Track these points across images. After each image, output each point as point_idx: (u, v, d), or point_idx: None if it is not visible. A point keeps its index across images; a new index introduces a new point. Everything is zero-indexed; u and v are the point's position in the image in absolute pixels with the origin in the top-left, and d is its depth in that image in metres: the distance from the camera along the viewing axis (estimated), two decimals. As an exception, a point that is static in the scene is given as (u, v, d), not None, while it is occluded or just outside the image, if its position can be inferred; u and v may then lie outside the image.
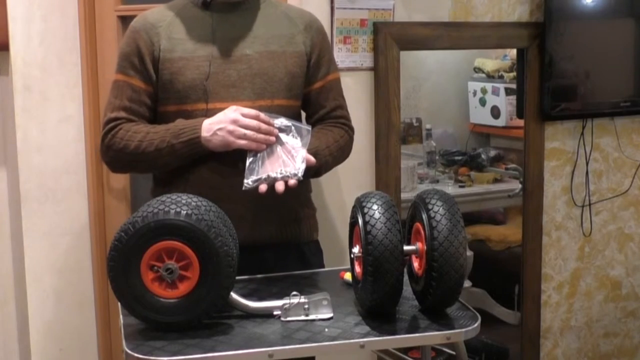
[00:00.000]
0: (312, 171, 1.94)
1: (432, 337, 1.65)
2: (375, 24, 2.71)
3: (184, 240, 1.60)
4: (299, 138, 1.91)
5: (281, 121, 1.92)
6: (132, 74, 2.00)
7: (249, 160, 1.86)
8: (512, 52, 3.97)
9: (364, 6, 2.70)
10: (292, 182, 1.85)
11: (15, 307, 2.72)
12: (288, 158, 1.88)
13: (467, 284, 3.69)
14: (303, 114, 2.20)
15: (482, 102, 4.39)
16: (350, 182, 2.74)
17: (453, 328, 1.65)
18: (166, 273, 1.61)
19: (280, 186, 1.83)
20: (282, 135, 1.90)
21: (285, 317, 1.69)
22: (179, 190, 1.77)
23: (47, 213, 2.60)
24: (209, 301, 1.62)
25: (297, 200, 2.05)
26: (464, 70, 4.46)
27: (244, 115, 1.87)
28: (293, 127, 1.92)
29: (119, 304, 1.69)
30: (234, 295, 1.69)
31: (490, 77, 4.35)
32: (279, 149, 1.89)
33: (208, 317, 1.64)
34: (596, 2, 3.00)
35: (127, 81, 2.00)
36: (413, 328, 1.67)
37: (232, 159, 1.92)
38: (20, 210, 2.58)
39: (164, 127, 1.95)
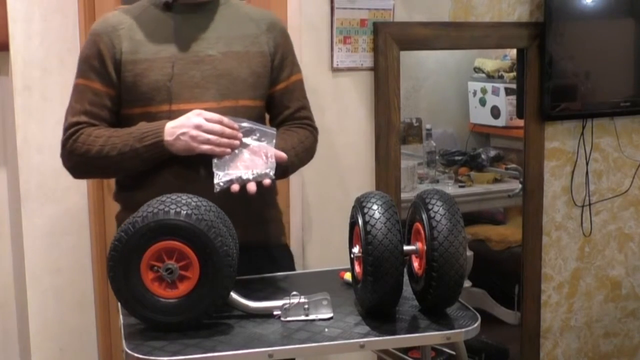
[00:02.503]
0: (280, 171, 1.91)
1: (432, 337, 1.65)
2: (375, 24, 2.71)
3: (184, 240, 1.60)
4: (264, 140, 1.89)
5: (245, 124, 1.89)
6: (93, 77, 1.97)
7: (215, 162, 1.84)
8: (512, 52, 3.97)
9: (364, 6, 2.70)
10: (266, 181, 1.83)
11: (15, 307, 2.72)
12: (257, 157, 1.86)
13: (467, 284, 3.69)
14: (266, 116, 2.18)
15: (482, 102, 4.39)
16: (350, 182, 2.74)
17: (453, 328, 1.65)
18: (166, 273, 1.61)
19: (252, 187, 1.81)
20: (247, 139, 1.88)
21: (285, 317, 1.69)
22: (144, 194, 1.76)
23: (47, 213, 2.59)
24: (209, 301, 1.62)
25: (262, 201, 2.03)
26: (464, 70, 4.45)
27: (207, 120, 1.85)
28: (257, 130, 1.90)
29: (119, 304, 1.69)
30: (234, 295, 1.69)
31: (490, 77, 4.35)
32: (244, 151, 1.87)
33: (208, 317, 1.64)
34: (596, 2, 3.00)
35: (88, 85, 1.98)
36: (413, 328, 1.66)
37: (195, 163, 1.90)
38: (20, 210, 2.58)
39: (126, 131, 1.93)
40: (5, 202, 2.66)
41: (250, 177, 1.83)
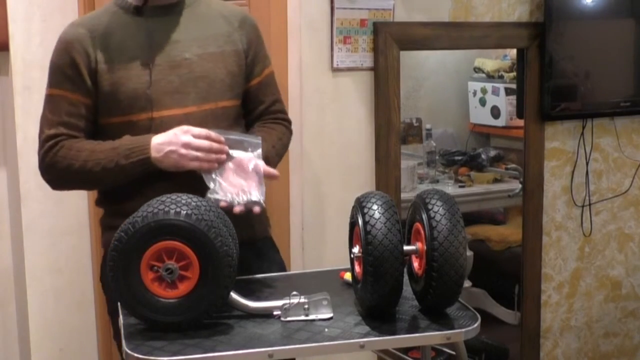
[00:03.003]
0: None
1: (432, 337, 1.65)
2: (375, 24, 2.71)
3: (184, 240, 1.60)
4: (251, 150, 1.89)
5: (232, 136, 1.89)
6: (68, 87, 1.92)
7: (205, 177, 1.84)
8: (512, 52, 3.97)
9: (364, 6, 2.70)
10: (256, 209, 1.83)
11: (15, 307, 2.72)
12: (245, 172, 1.86)
13: (467, 284, 3.69)
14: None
15: (482, 102, 4.39)
16: (350, 182, 2.74)
17: (453, 328, 1.65)
18: (166, 273, 1.61)
19: (238, 209, 1.81)
20: (235, 151, 1.88)
21: (285, 317, 1.69)
22: (132, 204, 1.74)
23: (47, 213, 2.60)
24: (209, 301, 1.62)
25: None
26: (464, 70, 4.46)
27: (195, 136, 1.83)
28: (244, 141, 1.89)
29: (119, 304, 1.69)
30: (234, 295, 1.69)
31: (490, 77, 4.35)
32: (231, 165, 1.86)
33: (208, 317, 1.64)
34: (596, 2, 3.00)
35: (63, 95, 1.92)
36: (413, 328, 1.66)
37: (183, 176, 1.87)
38: (20, 210, 2.58)
39: (109, 146, 1.89)
40: (5, 202, 2.66)
41: (242, 201, 1.83)
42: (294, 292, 1.73)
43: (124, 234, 1.59)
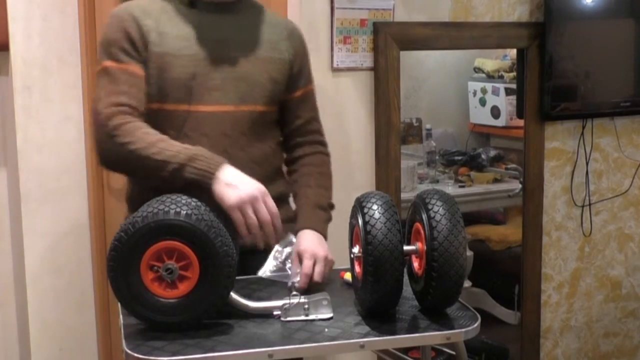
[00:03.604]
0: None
1: (432, 337, 1.65)
2: (375, 24, 2.71)
3: (184, 240, 1.60)
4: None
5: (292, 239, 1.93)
6: (127, 59, 1.87)
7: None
8: (512, 52, 3.97)
9: (364, 6, 2.70)
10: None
11: (15, 307, 2.72)
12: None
13: (467, 284, 3.69)
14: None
15: (482, 102, 4.39)
16: (350, 182, 2.74)
17: (453, 328, 1.65)
18: (166, 273, 1.61)
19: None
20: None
21: (285, 317, 1.69)
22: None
23: (47, 213, 2.59)
24: (209, 301, 1.62)
25: (281, 208, 2.04)
26: (464, 70, 4.46)
27: (265, 204, 1.76)
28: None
29: (119, 304, 1.69)
30: (234, 295, 1.69)
31: (490, 77, 4.35)
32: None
33: (208, 317, 1.64)
34: (596, 2, 3.00)
35: (121, 67, 1.86)
36: (413, 328, 1.66)
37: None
38: (20, 210, 2.58)
39: (180, 144, 1.81)
40: (5, 202, 2.66)
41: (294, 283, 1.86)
42: (294, 292, 1.73)
43: (124, 234, 1.59)
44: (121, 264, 1.60)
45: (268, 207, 1.76)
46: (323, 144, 2.16)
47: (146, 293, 1.61)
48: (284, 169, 2.13)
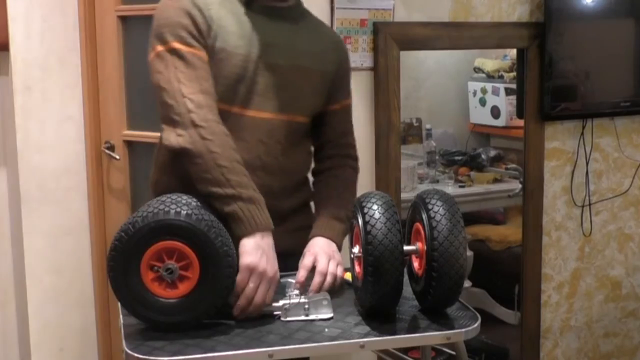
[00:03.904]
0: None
1: (432, 337, 1.65)
2: (375, 24, 2.71)
3: (184, 240, 1.60)
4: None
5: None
6: (196, 45, 1.79)
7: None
8: (512, 52, 3.97)
9: (364, 6, 2.70)
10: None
11: (15, 307, 2.72)
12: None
13: (467, 284, 3.69)
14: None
15: (482, 102, 4.40)
16: (350, 182, 2.74)
17: (453, 328, 1.65)
18: (166, 273, 1.61)
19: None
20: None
21: (285, 317, 1.69)
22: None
23: (47, 213, 2.60)
24: (209, 301, 1.62)
25: (301, 212, 2.04)
26: (464, 70, 4.46)
27: (270, 288, 1.71)
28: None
29: (119, 304, 1.69)
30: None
31: (490, 77, 4.35)
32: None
33: (208, 317, 1.64)
34: (596, 2, 3.00)
35: (194, 52, 1.79)
36: (413, 328, 1.66)
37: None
38: (20, 210, 2.58)
39: (250, 179, 1.76)
40: (5, 202, 2.66)
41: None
42: (295, 292, 1.73)
43: (124, 234, 1.59)
44: (121, 264, 1.60)
45: (269, 293, 1.72)
46: (354, 158, 2.11)
47: (146, 293, 1.61)
48: (310, 178, 2.10)
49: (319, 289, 1.80)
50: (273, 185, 1.90)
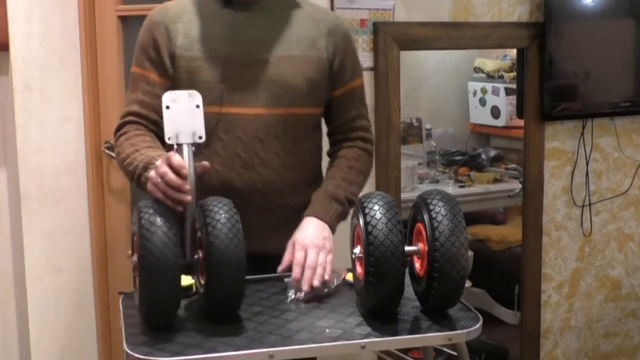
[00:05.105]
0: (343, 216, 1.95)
1: (434, 338, 1.64)
2: (375, 24, 2.71)
3: None
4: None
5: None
6: (148, 66, 1.91)
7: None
8: (512, 52, 3.98)
9: (364, 6, 2.70)
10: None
11: (15, 307, 2.72)
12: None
13: (467, 284, 3.68)
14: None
15: (482, 102, 4.40)
16: (350, 182, 2.74)
17: (455, 329, 1.65)
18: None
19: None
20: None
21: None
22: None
23: (47, 213, 2.60)
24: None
25: (300, 212, 2.03)
26: (464, 70, 4.46)
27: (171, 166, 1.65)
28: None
29: (119, 299, 1.68)
30: None
31: (490, 77, 4.36)
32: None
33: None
34: (596, 2, 3.00)
35: (142, 74, 1.92)
36: (414, 329, 1.66)
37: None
38: (20, 210, 2.58)
39: (148, 153, 1.80)
40: (5, 202, 2.66)
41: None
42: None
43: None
44: None
45: (178, 165, 1.67)
46: (365, 139, 2.06)
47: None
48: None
49: (310, 283, 1.79)
50: (277, 182, 1.90)
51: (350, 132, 2.04)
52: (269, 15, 1.94)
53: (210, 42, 1.89)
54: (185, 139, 1.65)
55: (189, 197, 1.64)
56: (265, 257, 1.86)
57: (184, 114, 1.66)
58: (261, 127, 1.89)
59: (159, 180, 1.64)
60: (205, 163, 1.72)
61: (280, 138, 1.91)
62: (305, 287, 1.78)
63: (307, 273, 1.80)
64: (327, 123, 2.06)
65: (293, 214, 1.91)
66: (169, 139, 1.65)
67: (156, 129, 1.92)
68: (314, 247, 1.83)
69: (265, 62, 1.90)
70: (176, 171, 1.63)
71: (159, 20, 1.92)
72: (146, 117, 1.91)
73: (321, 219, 1.90)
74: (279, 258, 1.88)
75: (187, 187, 1.63)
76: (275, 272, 1.90)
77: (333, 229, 1.92)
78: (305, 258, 1.82)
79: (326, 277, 1.82)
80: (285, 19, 1.95)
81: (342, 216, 1.96)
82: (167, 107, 1.65)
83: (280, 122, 1.90)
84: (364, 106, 2.08)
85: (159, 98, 1.85)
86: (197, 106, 1.66)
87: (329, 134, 2.08)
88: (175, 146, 1.66)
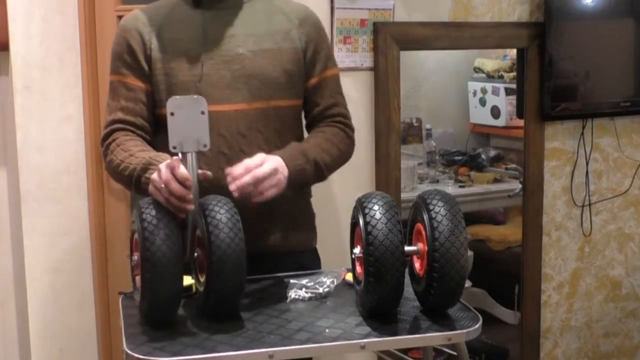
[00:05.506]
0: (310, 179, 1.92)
1: (434, 338, 1.65)
2: (375, 24, 2.71)
3: None
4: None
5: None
6: (126, 72, 1.94)
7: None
8: (512, 52, 3.97)
9: (364, 6, 2.70)
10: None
11: (15, 307, 2.72)
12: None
13: (467, 284, 3.68)
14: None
15: (482, 102, 4.40)
16: (350, 182, 2.74)
17: (454, 329, 1.65)
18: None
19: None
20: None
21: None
22: None
23: (47, 213, 2.59)
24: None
25: (298, 207, 2.03)
26: (464, 70, 4.46)
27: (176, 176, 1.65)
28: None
29: (119, 303, 1.68)
30: None
31: (490, 77, 4.35)
32: None
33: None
34: (596, 2, 3.00)
35: (121, 80, 1.94)
36: (414, 329, 1.66)
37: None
38: (20, 210, 2.58)
39: (144, 155, 1.83)
40: (5, 202, 2.66)
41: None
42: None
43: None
44: None
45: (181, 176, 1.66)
46: (345, 124, 2.06)
47: None
48: None
49: (242, 189, 1.74)
50: None
51: (328, 119, 2.05)
52: (239, 11, 1.97)
53: (183, 43, 1.92)
54: (190, 148, 1.65)
55: (192, 207, 1.64)
56: (258, 254, 1.85)
57: (188, 121, 1.64)
58: (243, 122, 1.91)
59: (162, 186, 1.64)
60: (208, 173, 1.73)
61: (262, 132, 1.93)
62: (234, 187, 1.73)
63: (247, 178, 1.74)
64: (305, 116, 2.08)
65: (275, 213, 1.92)
66: (173, 147, 1.64)
67: (143, 133, 1.95)
68: (272, 169, 1.78)
69: (241, 57, 1.92)
70: (180, 182, 1.63)
71: (131, 27, 1.95)
72: (132, 123, 1.94)
73: (285, 164, 1.85)
74: (271, 254, 1.89)
75: (191, 196, 1.64)
76: (268, 269, 1.92)
77: (290, 181, 1.86)
78: (258, 168, 1.76)
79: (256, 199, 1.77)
80: (255, 13, 1.98)
81: (304, 175, 1.91)
82: (172, 114, 1.64)
83: (262, 116, 1.93)
84: (340, 95, 2.09)
85: (142, 102, 1.92)
86: (202, 112, 1.65)
87: (307, 126, 2.09)
88: (180, 155, 1.65)
